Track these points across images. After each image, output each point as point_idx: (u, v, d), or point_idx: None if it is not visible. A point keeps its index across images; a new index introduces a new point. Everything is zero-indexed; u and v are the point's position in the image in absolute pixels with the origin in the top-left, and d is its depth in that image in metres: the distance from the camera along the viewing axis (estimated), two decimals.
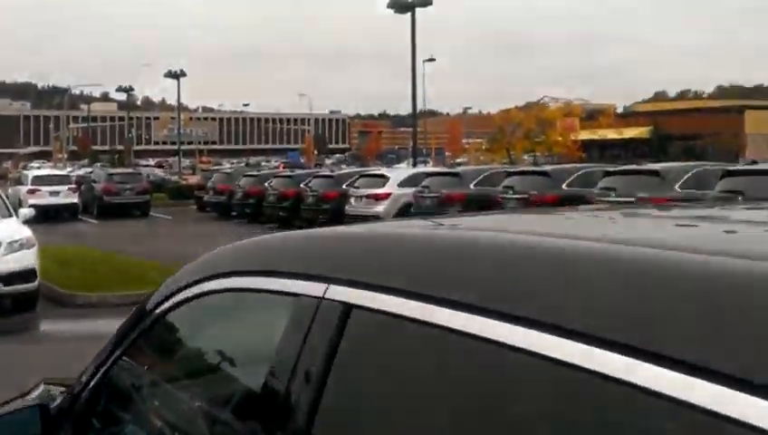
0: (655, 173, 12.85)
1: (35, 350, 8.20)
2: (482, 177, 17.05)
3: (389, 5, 29.06)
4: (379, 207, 18.77)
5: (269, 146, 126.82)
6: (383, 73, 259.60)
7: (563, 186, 14.31)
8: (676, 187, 12.09)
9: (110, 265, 13.26)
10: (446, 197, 16.56)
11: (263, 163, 79.33)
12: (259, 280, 1.54)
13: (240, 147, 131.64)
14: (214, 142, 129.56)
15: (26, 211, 11.45)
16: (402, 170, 22.55)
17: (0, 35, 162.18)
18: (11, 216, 11.12)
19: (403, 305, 1.14)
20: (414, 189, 17.95)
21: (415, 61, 29.01)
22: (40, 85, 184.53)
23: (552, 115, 32.29)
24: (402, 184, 19.05)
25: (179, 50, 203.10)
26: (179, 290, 1.78)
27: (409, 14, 28.74)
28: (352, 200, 19.54)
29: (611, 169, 13.52)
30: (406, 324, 1.12)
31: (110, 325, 7.79)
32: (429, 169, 22.15)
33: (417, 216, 17.55)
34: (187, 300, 1.75)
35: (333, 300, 1.28)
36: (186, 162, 65.23)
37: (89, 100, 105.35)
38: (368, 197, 19.14)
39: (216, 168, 42.63)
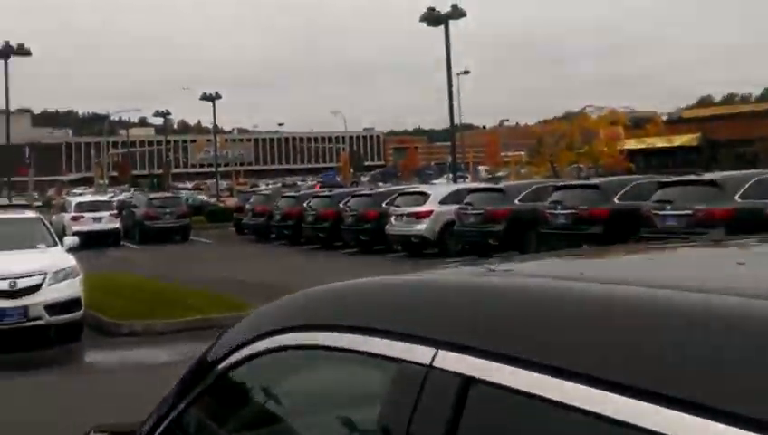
0: (712, 183, 12.30)
1: (82, 382, 8.16)
2: (527, 191, 16.70)
3: (422, 19, 29.00)
4: (421, 226, 18.54)
5: (304, 165, 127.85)
6: (416, 88, 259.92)
7: (615, 199, 13.89)
8: (736, 197, 11.58)
9: (154, 291, 13.26)
10: (491, 213, 16.26)
11: (298, 183, 79.92)
12: (340, 337, 1.32)
13: (276, 167, 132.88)
14: (250, 163, 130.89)
15: (71, 239, 11.51)
16: (443, 187, 22.31)
17: (41, 64, 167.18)
18: (56, 244, 11.19)
19: (543, 384, 0.92)
20: (456, 206, 17.68)
21: (450, 74, 28.88)
22: (80, 112, 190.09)
23: (597, 124, 31.59)
24: (444, 201, 18.79)
25: (213, 72, 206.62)
26: (244, 344, 1.60)
27: (443, 27, 28.66)
28: (393, 219, 19.35)
29: (666, 180, 13.06)
30: (544, 407, 0.91)
31: (156, 355, 7.68)
32: (472, 184, 21.82)
33: (461, 234, 17.31)
34: (254, 356, 1.55)
35: (445, 370, 1.06)
36: (222, 184, 65.85)
37: (127, 125, 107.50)
38: (408, 215, 18.91)
39: (253, 189, 42.86)
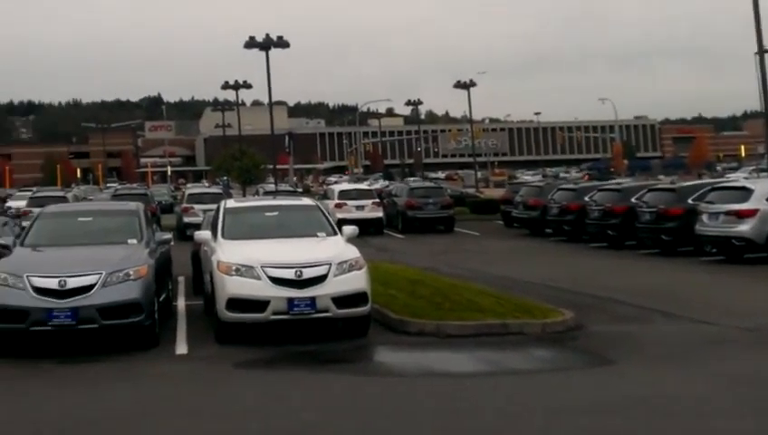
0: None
1: (378, 385, 7.72)
2: None
3: None
4: (743, 226, 16.34)
5: (565, 156, 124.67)
6: (693, 73, 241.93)
7: None
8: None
9: (433, 287, 12.78)
10: None
11: (561, 174, 78.01)
12: None
13: (532, 157, 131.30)
14: (504, 154, 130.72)
15: (350, 229, 11.29)
16: None
17: (295, 60, 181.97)
18: (335, 234, 11.07)
19: None
20: None
21: (762, 50, 25.64)
22: (331, 104, 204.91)
23: None
24: None
25: (462, 60, 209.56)
26: None
27: None
28: (704, 218, 17.25)
29: None
30: None
31: (455, 362, 6.85)
32: None
33: None
34: None
35: None
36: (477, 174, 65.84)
37: (375, 115, 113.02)
38: (727, 214, 16.73)
39: (520, 181, 41.93)
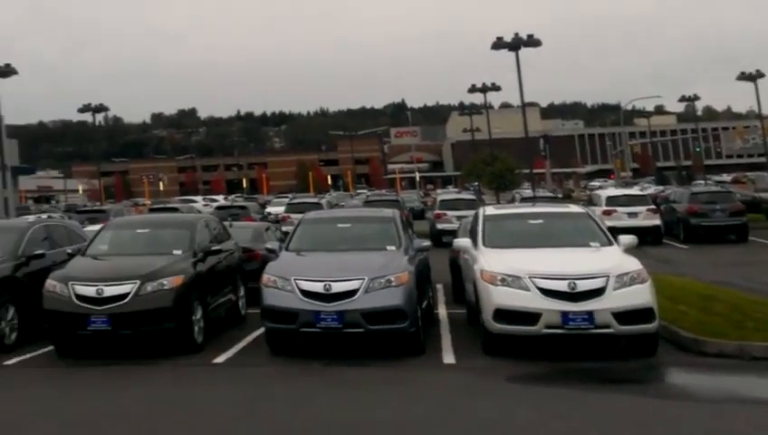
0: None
1: (673, 408, 7.31)
2: None
3: None
4: None
5: None
6: None
7: None
8: None
9: (729, 303, 12.03)
10: None
11: None
12: None
13: None
14: None
15: (628, 239, 10.94)
16: None
17: (546, 58, 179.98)
18: (610, 244, 10.80)
19: None
20: None
21: None
22: (589, 104, 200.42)
23: None
24: None
25: (745, 47, 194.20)
26: None
27: None
28: None
29: None
30: None
31: (761, 387, 6.17)
32: None
33: None
34: None
35: None
36: None
37: (642, 114, 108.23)
38: None
39: None
